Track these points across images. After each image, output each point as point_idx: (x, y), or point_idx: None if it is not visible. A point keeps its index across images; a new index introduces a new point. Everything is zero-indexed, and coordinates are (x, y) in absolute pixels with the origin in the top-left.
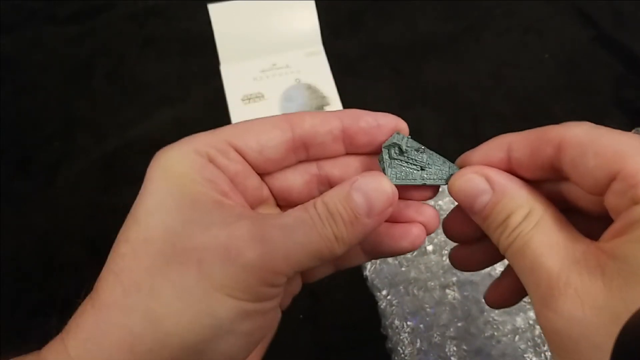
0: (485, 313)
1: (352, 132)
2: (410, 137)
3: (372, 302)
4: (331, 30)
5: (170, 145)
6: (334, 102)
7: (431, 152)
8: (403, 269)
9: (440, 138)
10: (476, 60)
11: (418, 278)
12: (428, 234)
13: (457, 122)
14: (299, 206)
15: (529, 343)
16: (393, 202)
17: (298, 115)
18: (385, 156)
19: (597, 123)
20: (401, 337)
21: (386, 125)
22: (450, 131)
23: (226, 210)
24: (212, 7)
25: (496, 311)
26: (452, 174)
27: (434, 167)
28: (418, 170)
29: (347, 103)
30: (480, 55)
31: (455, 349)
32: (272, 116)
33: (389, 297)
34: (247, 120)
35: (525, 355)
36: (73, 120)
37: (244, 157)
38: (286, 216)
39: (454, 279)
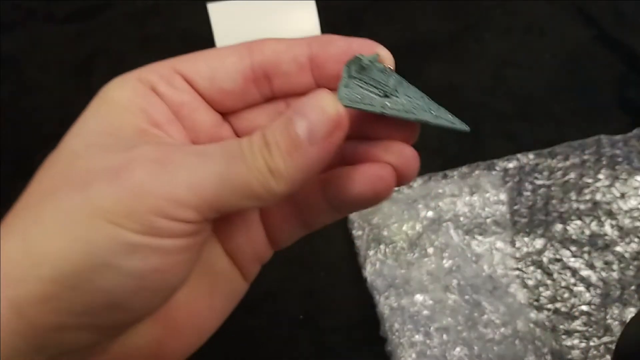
0: (485, 316)
1: (322, 60)
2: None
3: (372, 303)
4: (331, 29)
5: (121, 75)
6: None
7: (408, 83)
8: (403, 270)
9: (440, 138)
10: (476, 59)
11: (418, 280)
12: (402, 180)
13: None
14: (229, 139)
15: (529, 347)
16: (340, 125)
17: (260, 41)
18: (344, 74)
19: (598, 122)
20: (401, 341)
21: (360, 50)
22: (451, 131)
23: (145, 138)
24: (211, 7)
25: (497, 314)
26: (435, 114)
27: (404, 97)
28: (380, 96)
29: None
30: (480, 55)
31: (455, 352)
32: (233, 45)
33: (388, 300)
34: (204, 50)
35: (525, 359)
36: (73, 120)
37: (193, 86)
38: (210, 145)
39: (455, 281)
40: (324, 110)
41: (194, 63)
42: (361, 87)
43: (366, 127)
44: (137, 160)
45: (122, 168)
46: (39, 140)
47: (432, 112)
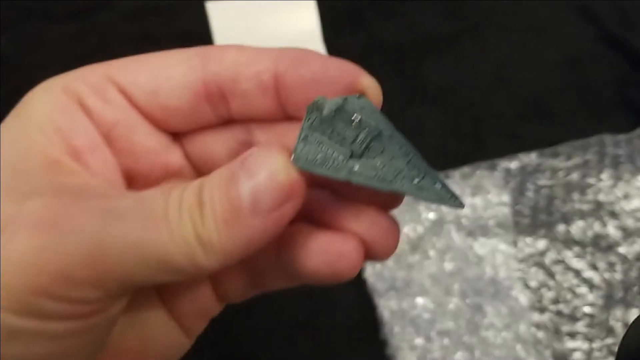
0: (487, 320)
1: (289, 82)
2: (365, 103)
3: (372, 305)
4: (331, 29)
5: (47, 80)
6: None
7: (392, 132)
8: (404, 273)
9: (441, 138)
10: (478, 59)
11: (419, 283)
12: (374, 256)
13: (459, 122)
14: (160, 186)
15: (531, 351)
16: (291, 196)
17: (218, 48)
18: (304, 123)
19: (601, 122)
20: (401, 345)
21: (338, 77)
22: (451, 131)
23: (51, 177)
24: (211, 6)
25: (499, 318)
26: (420, 182)
27: (380, 158)
28: (346, 157)
29: None
30: (482, 54)
31: (456, 357)
32: (185, 49)
33: (388, 303)
34: (149, 54)
35: None
36: None
37: (131, 101)
38: (126, 198)
39: (456, 284)
40: (273, 175)
41: (132, 71)
42: (323, 142)
43: (338, 185)
44: (22, 219)
45: (4, 229)
46: None
47: (416, 179)
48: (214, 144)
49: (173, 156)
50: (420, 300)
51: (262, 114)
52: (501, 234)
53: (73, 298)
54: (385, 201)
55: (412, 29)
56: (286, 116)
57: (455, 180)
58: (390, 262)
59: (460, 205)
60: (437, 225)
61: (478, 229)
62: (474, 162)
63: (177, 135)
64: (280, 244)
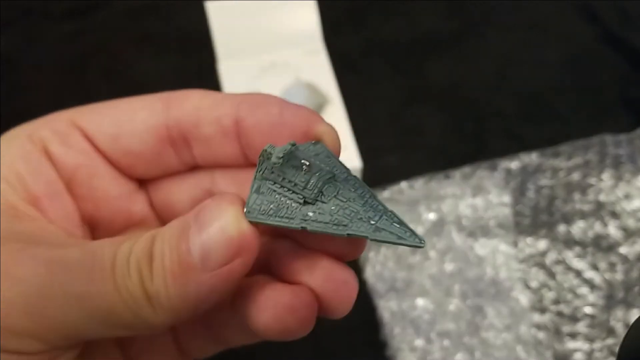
0: (487, 321)
1: (248, 126)
2: (320, 149)
3: (372, 306)
4: (332, 27)
5: (15, 127)
6: (335, 101)
7: (346, 175)
8: (404, 274)
9: (441, 137)
10: (479, 58)
11: (419, 284)
12: (328, 312)
13: (460, 121)
14: (108, 238)
15: (531, 352)
16: (242, 251)
17: (182, 93)
18: (256, 172)
19: (602, 121)
20: (401, 346)
21: (295, 123)
22: (453, 130)
23: (6, 222)
24: (210, 5)
25: (499, 319)
26: (377, 222)
27: (334, 202)
28: (299, 204)
29: (348, 101)
30: (483, 53)
31: (456, 358)
32: (149, 95)
33: (388, 304)
34: (114, 100)
35: None
36: None
37: (95, 146)
38: (75, 247)
39: (457, 285)
40: (224, 229)
41: (96, 116)
42: (275, 191)
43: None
44: None
45: None
46: None
47: (373, 221)
48: (177, 192)
49: (137, 204)
50: (420, 301)
51: (226, 160)
52: (502, 234)
53: (13, 349)
54: (343, 251)
55: (412, 28)
56: (249, 162)
57: (456, 180)
58: (390, 262)
59: (421, 243)
60: (438, 226)
61: (479, 230)
62: (474, 161)
63: (143, 182)
64: (234, 298)
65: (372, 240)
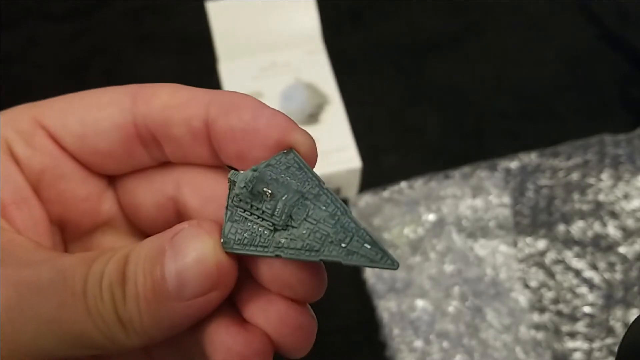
0: (486, 322)
1: (219, 131)
2: (292, 160)
3: (372, 306)
4: (332, 28)
5: None
6: (334, 101)
7: (318, 192)
8: (404, 274)
9: (441, 137)
10: (479, 58)
11: (419, 285)
12: (283, 352)
13: (460, 121)
14: (80, 254)
15: (531, 354)
16: (219, 283)
17: (151, 87)
18: (228, 200)
19: (602, 122)
20: (400, 347)
21: (269, 131)
22: (452, 130)
23: None
24: (211, 5)
25: (499, 320)
26: (347, 248)
27: (305, 225)
28: (270, 231)
29: (347, 101)
30: (483, 53)
31: (455, 359)
32: (117, 87)
33: (388, 304)
34: (80, 92)
35: None
36: None
37: (61, 146)
38: (45, 267)
39: (457, 287)
40: (202, 259)
41: (61, 114)
42: (247, 218)
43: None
44: None
45: None
46: None
47: (344, 243)
48: (142, 195)
49: (105, 203)
50: (420, 302)
51: (197, 160)
52: (502, 235)
53: None
54: (300, 294)
55: (413, 28)
56: (222, 163)
57: (456, 180)
58: None
59: (393, 265)
60: (438, 227)
61: (479, 231)
62: (474, 161)
63: (112, 178)
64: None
65: (345, 264)
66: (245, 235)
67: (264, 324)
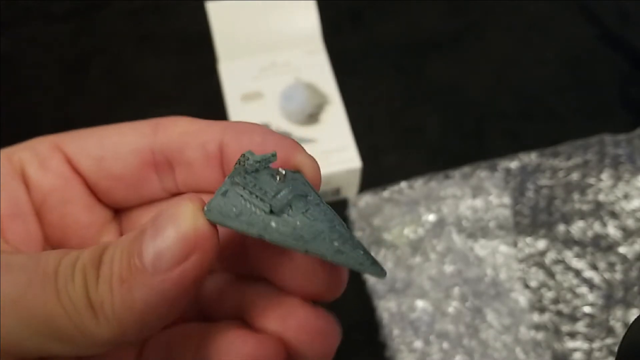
0: (486, 323)
1: (231, 152)
2: (298, 177)
3: (372, 306)
4: (332, 28)
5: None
6: (334, 101)
7: (317, 200)
8: (404, 275)
9: (442, 137)
10: (479, 58)
11: (419, 285)
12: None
13: (460, 121)
14: (61, 249)
15: (530, 354)
16: (197, 248)
17: (171, 119)
18: (227, 178)
19: (602, 122)
20: (400, 347)
21: (276, 151)
22: (452, 130)
23: None
24: (210, 5)
25: (499, 320)
26: (340, 245)
27: (300, 217)
28: (263, 212)
29: (347, 101)
30: (483, 54)
31: None
32: (140, 121)
33: (388, 304)
34: (103, 126)
35: None
36: (69, 119)
37: (76, 169)
38: (22, 254)
39: (457, 287)
40: (179, 226)
41: (82, 140)
42: (242, 196)
43: (261, 260)
44: None
45: None
46: None
47: (336, 243)
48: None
49: (107, 235)
50: (419, 303)
51: (207, 185)
52: (502, 235)
53: None
54: (320, 288)
55: (413, 28)
56: None
57: (456, 181)
58: (390, 264)
59: (382, 274)
60: (438, 227)
61: (479, 231)
62: (474, 161)
63: (118, 213)
64: (199, 345)
65: (330, 261)
66: (234, 209)
67: (282, 331)
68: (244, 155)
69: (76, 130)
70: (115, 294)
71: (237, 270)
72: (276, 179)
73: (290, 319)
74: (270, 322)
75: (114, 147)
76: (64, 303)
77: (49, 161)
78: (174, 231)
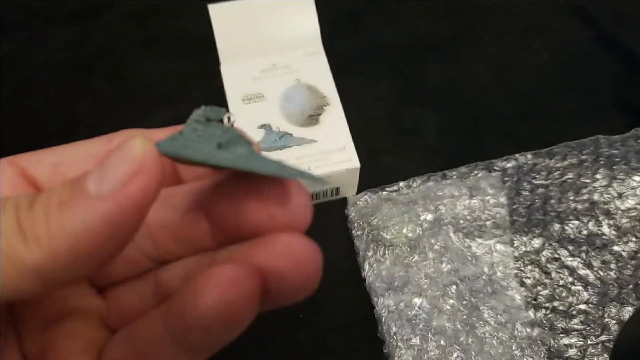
0: (483, 321)
1: None
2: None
3: (372, 303)
4: (331, 29)
5: None
6: (334, 102)
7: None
8: (401, 273)
9: (439, 138)
10: (476, 60)
11: (417, 283)
12: (283, 284)
13: (458, 122)
14: None
15: (526, 351)
16: (143, 169)
17: (126, 130)
18: (178, 133)
19: (597, 123)
20: (398, 344)
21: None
22: (450, 131)
23: None
24: (212, 8)
25: (495, 318)
26: (284, 164)
27: (247, 150)
28: (213, 147)
29: (346, 102)
30: (480, 55)
31: (452, 358)
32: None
33: (386, 302)
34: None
35: None
36: (73, 121)
37: (31, 180)
38: None
39: (454, 285)
40: (127, 148)
41: (39, 153)
42: (190, 137)
43: (222, 213)
44: None
45: None
46: (39, 142)
47: (281, 165)
48: None
49: None
50: (417, 300)
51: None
52: (498, 234)
53: None
54: (288, 221)
55: (411, 30)
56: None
57: (453, 181)
58: (388, 261)
59: (321, 181)
60: (436, 226)
61: (476, 230)
62: (472, 161)
63: None
64: (166, 311)
65: (276, 174)
66: (181, 144)
67: (256, 259)
68: (196, 110)
69: (36, 151)
70: (51, 216)
71: (194, 249)
72: (225, 122)
73: (272, 245)
74: (248, 256)
75: (70, 154)
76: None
77: (2, 174)
78: (122, 155)
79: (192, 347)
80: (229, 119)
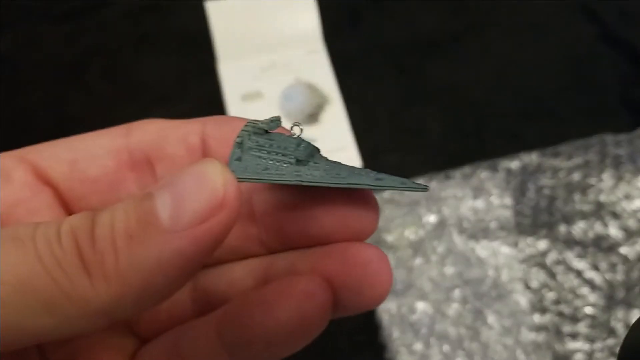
0: (487, 325)
1: (216, 140)
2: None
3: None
4: (332, 28)
5: None
6: (334, 101)
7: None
8: (404, 276)
9: (442, 137)
10: (480, 58)
11: (420, 287)
12: (351, 297)
13: (461, 121)
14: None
15: (531, 356)
16: (224, 205)
17: (143, 121)
18: (235, 147)
19: (602, 122)
20: (400, 349)
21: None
22: (453, 130)
23: None
24: (210, 5)
25: (500, 323)
26: (376, 176)
27: (325, 163)
28: (290, 164)
29: (348, 101)
30: (483, 54)
31: None
32: (112, 127)
33: (388, 306)
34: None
35: None
36: (69, 119)
37: (46, 178)
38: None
39: (457, 289)
40: (205, 176)
41: (50, 147)
42: (261, 157)
43: (288, 226)
44: None
45: None
46: (34, 139)
47: (371, 174)
48: None
49: None
50: (420, 305)
51: None
52: (503, 236)
53: None
54: (353, 226)
55: (413, 28)
56: None
57: (457, 181)
58: (390, 264)
59: (425, 188)
60: (439, 228)
61: (480, 232)
62: (475, 161)
63: None
64: (224, 322)
65: (374, 188)
66: (258, 167)
67: (328, 271)
68: (249, 122)
69: (45, 142)
70: (121, 250)
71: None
72: (292, 135)
73: (332, 250)
74: (304, 265)
75: (87, 149)
76: (50, 268)
77: (12, 173)
78: (200, 185)
79: (251, 358)
80: (300, 129)
